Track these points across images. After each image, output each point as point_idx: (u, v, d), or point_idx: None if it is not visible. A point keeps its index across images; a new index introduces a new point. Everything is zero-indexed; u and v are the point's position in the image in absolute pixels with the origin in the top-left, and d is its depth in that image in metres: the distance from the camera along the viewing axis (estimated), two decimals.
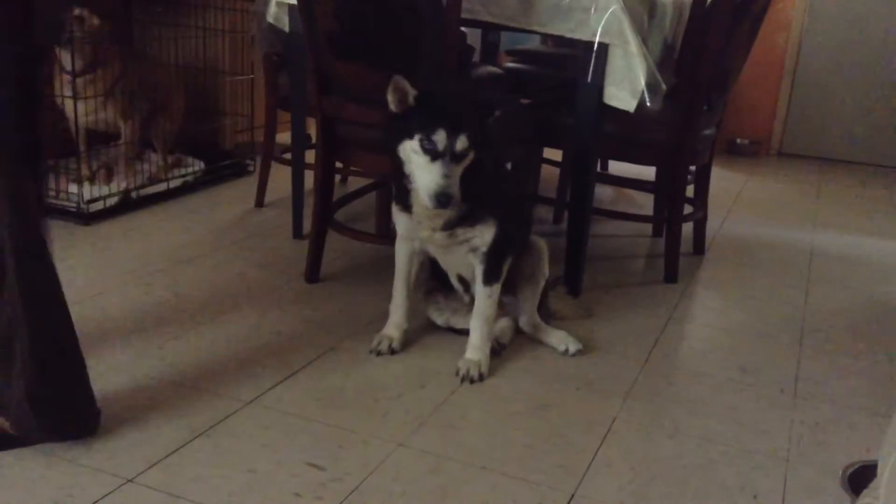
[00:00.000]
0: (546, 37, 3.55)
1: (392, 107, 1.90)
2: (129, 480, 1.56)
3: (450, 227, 2.00)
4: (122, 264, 2.68)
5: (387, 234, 3.03)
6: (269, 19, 2.91)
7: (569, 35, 2.41)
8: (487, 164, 1.97)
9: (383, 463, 1.69)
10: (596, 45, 2.38)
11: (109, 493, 1.52)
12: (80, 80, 3.10)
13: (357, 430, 1.81)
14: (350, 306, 2.46)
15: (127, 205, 3.21)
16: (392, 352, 2.16)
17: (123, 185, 3.25)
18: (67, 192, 3.06)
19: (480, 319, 2.10)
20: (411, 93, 1.87)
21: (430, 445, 1.76)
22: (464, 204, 1.94)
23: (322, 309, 2.43)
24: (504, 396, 2.01)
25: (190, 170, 3.60)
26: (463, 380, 2.04)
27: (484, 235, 2.02)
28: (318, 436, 1.77)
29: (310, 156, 2.84)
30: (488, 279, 2.08)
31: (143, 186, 3.32)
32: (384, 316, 2.23)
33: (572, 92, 2.51)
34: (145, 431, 1.73)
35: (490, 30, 3.77)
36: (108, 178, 3.28)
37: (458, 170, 1.86)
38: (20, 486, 1.52)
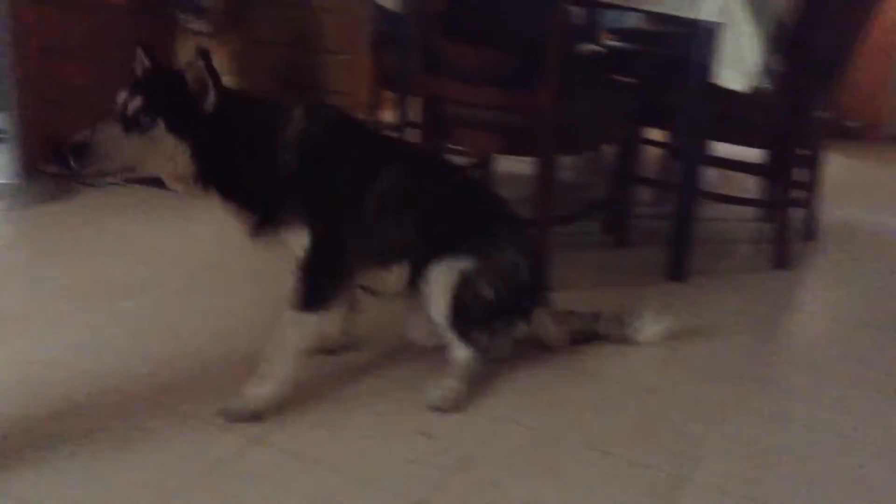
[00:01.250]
0: (650, 14, 3.49)
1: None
2: (256, 441, 1.64)
3: (256, 232, 1.72)
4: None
5: None
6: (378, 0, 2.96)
7: (676, 13, 2.37)
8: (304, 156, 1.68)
9: (492, 436, 1.72)
10: (705, 24, 2.33)
11: (242, 451, 1.60)
12: (209, 43, 3.25)
13: (466, 403, 1.85)
14: None
15: None
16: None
17: None
18: None
19: (283, 351, 1.71)
20: (146, 63, 1.67)
21: (538, 423, 1.79)
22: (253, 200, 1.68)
23: None
24: (610, 379, 2.01)
25: None
26: (223, 415, 1.68)
27: (295, 240, 1.70)
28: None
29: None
30: (299, 302, 1.71)
31: None
32: None
33: (677, 71, 2.47)
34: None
35: (592, 7, 3.73)
36: None
37: (126, 138, 1.57)
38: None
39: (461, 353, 1.86)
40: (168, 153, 1.58)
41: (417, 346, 2.00)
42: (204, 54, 1.58)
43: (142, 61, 1.66)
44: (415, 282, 1.84)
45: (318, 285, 1.72)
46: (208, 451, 1.59)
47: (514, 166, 3.29)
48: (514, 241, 1.91)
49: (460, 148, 3.40)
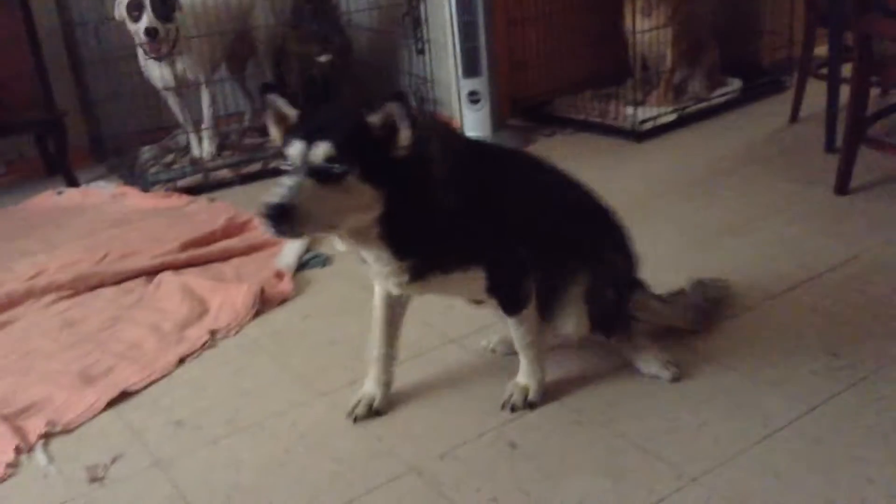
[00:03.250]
0: None
1: (273, 135, 1.54)
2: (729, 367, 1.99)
3: (416, 278, 1.60)
4: (666, 176, 3.13)
5: None
6: None
7: None
8: (442, 199, 1.54)
9: None
10: None
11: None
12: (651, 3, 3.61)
13: (876, 329, 1.97)
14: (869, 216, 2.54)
15: (673, 124, 3.64)
16: (374, 413, 1.82)
17: (671, 107, 3.69)
18: (623, 115, 3.62)
19: (522, 346, 1.81)
20: (291, 114, 1.51)
21: None
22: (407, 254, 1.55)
23: (846, 221, 2.56)
24: None
25: (729, 88, 3.88)
26: (504, 406, 1.80)
27: (471, 285, 1.68)
28: (837, 331, 1.99)
29: (846, 69, 2.91)
30: (509, 310, 1.75)
31: (686, 107, 3.71)
32: None
33: None
34: None
35: None
36: (658, 101, 3.74)
37: (323, 192, 1.40)
38: None
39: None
40: (365, 204, 1.44)
41: None
42: (399, 96, 1.45)
43: (277, 109, 1.52)
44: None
45: (514, 297, 1.74)
46: None
47: None
48: (624, 243, 1.89)
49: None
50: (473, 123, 3.62)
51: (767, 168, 3.09)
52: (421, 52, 3.85)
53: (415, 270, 1.57)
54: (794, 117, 3.55)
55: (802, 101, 3.51)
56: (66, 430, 1.86)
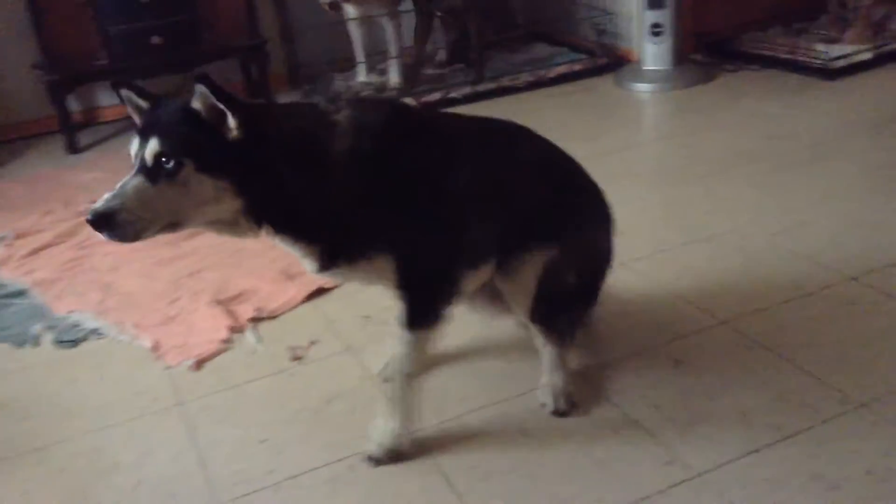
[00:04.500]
0: None
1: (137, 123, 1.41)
2: None
3: (325, 268, 1.47)
4: (855, 116, 3.00)
5: None
6: None
7: None
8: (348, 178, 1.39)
9: None
10: None
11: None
12: None
13: None
14: None
15: (870, 63, 3.44)
16: None
17: (868, 45, 3.48)
18: (815, 51, 3.46)
19: (390, 375, 1.57)
20: (144, 106, 1.39)
21: None
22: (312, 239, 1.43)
23: None
24: None
25: None
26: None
27: (381, 273, 1.47)
28: None
29: None
30: (410, 317, 1.50)
31: (885, 45, 3.49)
32: None
33: None
34: None
35: None
36: (855, 38, 3.54)
37: (156, 190, 1.30)
38: None
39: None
40: (209, 196, 1.33)
41: None
42: (203, 78, 1.30)
43: (133, 102, 1.41)
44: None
45: (426, 300, 1.51)
46: None
47: None
48: (600, 218, 1.67)
49: None
50: (654, 57, 3.60)
51: None
52: None
53: (324, 257, 1.46)
54: None
55: None
56: (271, 317, 2.11)
